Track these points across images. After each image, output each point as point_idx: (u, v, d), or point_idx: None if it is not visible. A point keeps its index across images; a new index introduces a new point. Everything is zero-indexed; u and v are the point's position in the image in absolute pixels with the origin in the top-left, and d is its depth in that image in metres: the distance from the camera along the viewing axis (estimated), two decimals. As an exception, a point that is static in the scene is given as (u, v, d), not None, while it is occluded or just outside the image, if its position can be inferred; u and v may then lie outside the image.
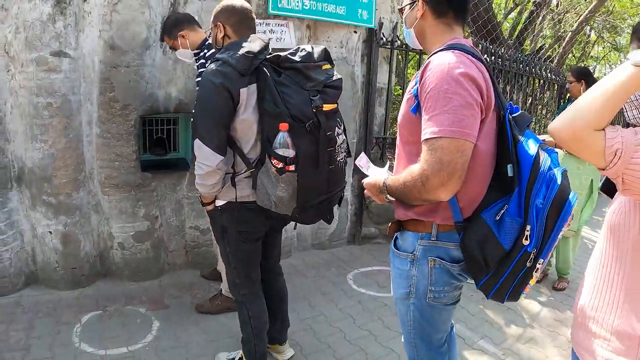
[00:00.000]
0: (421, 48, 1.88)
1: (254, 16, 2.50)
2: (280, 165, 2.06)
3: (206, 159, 2.16)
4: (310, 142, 2.14)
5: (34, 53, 3.34)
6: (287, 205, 2.19)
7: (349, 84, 4.51)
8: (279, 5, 3.81)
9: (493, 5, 9.24)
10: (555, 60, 9.14)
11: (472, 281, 1.72)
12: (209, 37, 2.54)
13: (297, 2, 3.86)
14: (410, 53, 5.03)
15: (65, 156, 3.50)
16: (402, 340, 2.01)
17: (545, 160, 1.53)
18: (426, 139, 1.52)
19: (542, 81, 6.94)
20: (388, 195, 1.73)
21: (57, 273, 3.59)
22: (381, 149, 4.90)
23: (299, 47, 2.28)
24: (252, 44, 2.24)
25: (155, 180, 3.82)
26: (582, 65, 13.34)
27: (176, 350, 3.01)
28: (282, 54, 2.27)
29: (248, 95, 2.16)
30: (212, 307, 3.39)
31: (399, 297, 1.86)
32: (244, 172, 2.29)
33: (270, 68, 2.21)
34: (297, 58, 2.19)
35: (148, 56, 3.61)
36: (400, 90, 6.49)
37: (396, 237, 1.87)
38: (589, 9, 8.93)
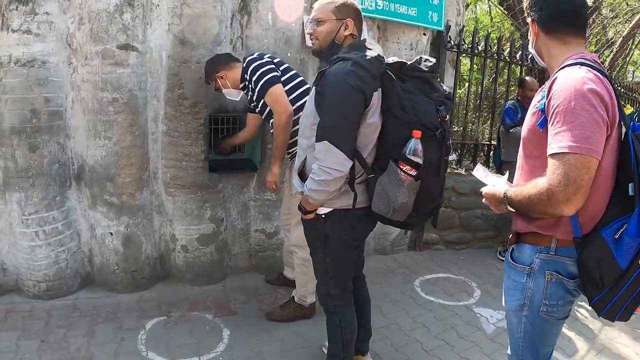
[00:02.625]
0: (544, 65, 1.78)
1: None
2: (412, 171, 1.94)
3: (338, 164, 1.94)
4: (435, 150, 2.03)
5: (99, 45, 2.89)
6: (404, 212, 2.04)
7: None
8: None
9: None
10: (608, 65, 8.97)
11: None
12: (314, 29, 2.15)
13: (371, 2, 3.50)
14: (475, 58, 4.69)
15: (130, 154, 3.05)
16: (508, 352, 1.88)
17: None
18: (553, 154, 1.46)
19: None
20: (508, 206, 1.64)
21: (117, 275, 3.15)
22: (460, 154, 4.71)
23: (421, 57, 2.09)
24: (376, 47, 2.11)
25: (223, 181, 3.38)
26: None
27: (252, 361, 2.66)
28: (406, 61, 2.08)
29: (377, 99, 2.00)
30: (283, 315, 2.99)
31: (512, 309, 1.77)
32: (360, 177, 2.10)
33: (393, 74, 2.04)
34: (424, 68, 2.04)
35: (219, 52, 3.18)
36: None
37: (512, 249, 1.78)
38: None
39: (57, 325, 2.83)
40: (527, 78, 4.40)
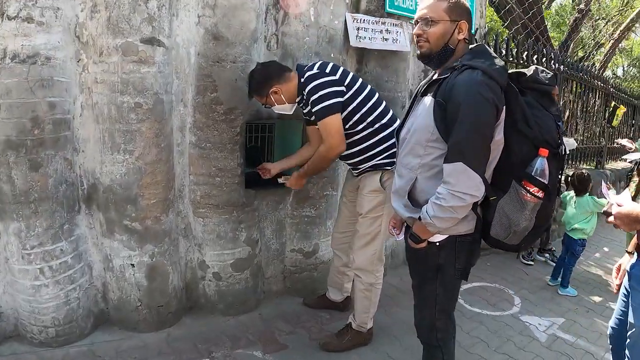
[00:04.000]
0: None
1: None
2: (539, 192, 1.71)
3: (474, 188, 1.66)
4: (556, 169, 1.78)
5: (119, 39, 2.26)
6: (521, 235, 1.80)
7: None
8: (395, 4, 3.02)
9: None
10: (599, 67, 9.23)
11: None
12: (420, 28, 1.80)
13: (410, 2, 3.11)
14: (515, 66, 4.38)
15: (155, 171, 2.44)
16: None
17: None
18: None
19: (584, 87, 6.45)
20: None
21: (139, 313, 2.56)
22: None
23: (538, 68, 1.80)
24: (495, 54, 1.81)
25: (258, 197, 2.86)
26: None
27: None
28: (524, 71, 1.86)
29: (504, 114, 1.72)
30: (342, 344, 2.58)
31: None
32: (480, 200, 1.78)
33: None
34: (544, 79, 1.77)
35: (255, 50, 2.64)
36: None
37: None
38: (631, 17, 9.22)
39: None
40: None
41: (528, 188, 1.72)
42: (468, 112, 1.63)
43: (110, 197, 2.46)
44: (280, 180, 2.72)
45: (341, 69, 2.40)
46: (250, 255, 2.82)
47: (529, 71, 1.79)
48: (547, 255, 4.29)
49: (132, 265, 2.53)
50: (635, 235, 1.91)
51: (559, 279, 3.75)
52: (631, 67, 17.29)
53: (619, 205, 1.73)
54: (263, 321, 2.83)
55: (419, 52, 1.84)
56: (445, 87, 1.69)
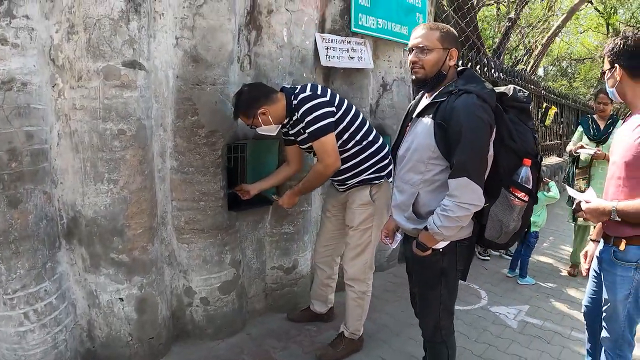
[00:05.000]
0: (620, 100, 2.09)
1: None
2: (525, 197, 1.95)
3: (477, 199, 1.85)
4: (535, 175, 2.03)
5: (100, 62, 2.18)
6: (509, 235, 2.04)
7: (406, 104, 3.89)
8: (360, 23, 3.15)
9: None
10: (529, 71, 9.72)
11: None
12: (419, 56, 1.96)
13: (373, 20, 3.26)
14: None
15: (140, 199, 2.35)
16: (606, 335, 2.09)
17: None
18: None
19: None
20: (617, 217, 1.90)
21: (131, 348, 2.44)
22: None
23: (515, 88, 2.04)
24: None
25: (239, 219, 2.84)
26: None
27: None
28: (505, 91, 2.01)
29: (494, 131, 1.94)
30: (337, 354, 2.65)
31: (620, 299, 2.00)
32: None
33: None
34: (522, 98, 2.02)
35: (232, 72, 2.65)
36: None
37: (613, 250, 2.01)
38: (557, 23, 9.90)
39: None
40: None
41: (516, 194, 1.95)
42: (468, 133, 1.82)
43: (94, 230, 2.33)
44: (273, 199, 2.74)
45: (329, 90, 2.50)
46: (235, 276, 2.81)
47: (509, 91, 2.02)
48: (501, 249, 4.64)
49: (121, 299, 2.42)
50: (598, 225, 2.24)
51: (517, 270, 4.10)
52: (551, 67, 19.08)
53: (587, 202, 2.05)
54: (253, 341, 2.82)
55: (414, 77, 2.01)
56: (445, 109, 1.87)
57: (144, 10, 2.33)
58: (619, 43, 1.97)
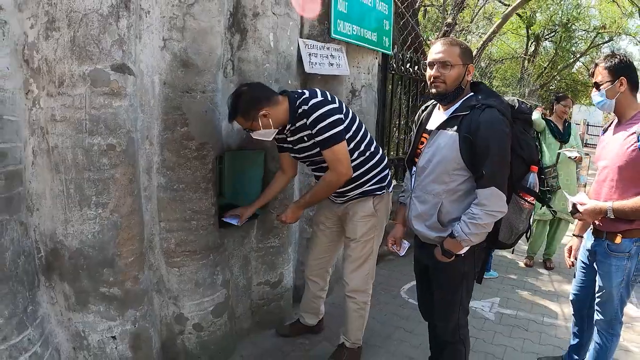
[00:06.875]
0: (611, 110, 2.29)
1: None
2: (534, 200, 2.10)
3: (504, 206, 1.97)
4: (539, 179, 2.17)
5: (86, 65, 1.86)
6: (517, 235, 2.18)
7: (373, 110, 3.87)
8: (338, 29, 3.06)
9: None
10: None
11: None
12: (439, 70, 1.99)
13: (349, 27, 3.17)
14: (409, 80, 4.83)
15: (131, 223, 2.06)
16: (600, 318, 2.31)
17: None
18: None
19: None
20: (612, 215, 2.13)
21: None
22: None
23: (519, 100, 2.15)
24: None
25: (227, 236, 2.61)
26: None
27: None
28: (512, 103, 2.12)
29: None
30: None
31: (615, 285, 2.24)
32: None
33: None
34: (526, 109, 2.15)
35: (219, 78, 2.42)
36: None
37: (607, 244, 2.25)
38: (492, 29, 10.13)
39: None
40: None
41: (525, 198, 2.09)
42: (495, 146, 1.92)
43: (80, 262, 2.00)
44: (276, 217, 2.55)
45: (336, 97, 2.38)
46: (227, 297, 2.60)
47: (514, 103, 2.13)
48: (507, 249, 4.73)
49: (114, 337, 2.12)
50: (579, 223, 2.53)
51: None
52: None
53: (581, 204, 2.26)
54: (249, 364, 2.62)
55: (434, 91, 2.04)
56: (470, 123, 1.93)
57: (133, 7, 2.03)
58: (624, 59, 2.19)
